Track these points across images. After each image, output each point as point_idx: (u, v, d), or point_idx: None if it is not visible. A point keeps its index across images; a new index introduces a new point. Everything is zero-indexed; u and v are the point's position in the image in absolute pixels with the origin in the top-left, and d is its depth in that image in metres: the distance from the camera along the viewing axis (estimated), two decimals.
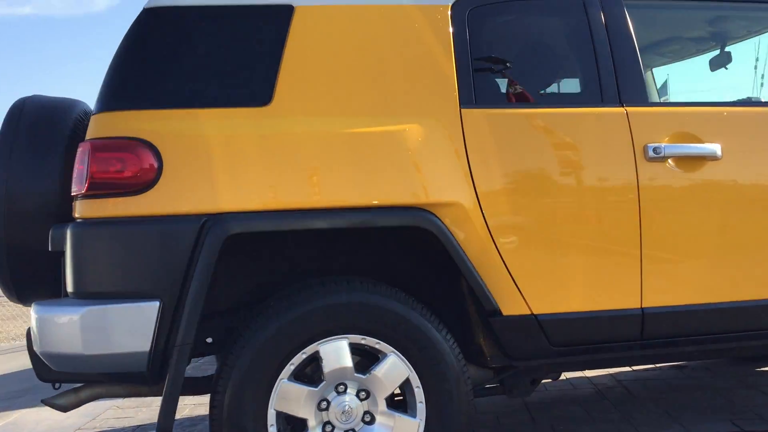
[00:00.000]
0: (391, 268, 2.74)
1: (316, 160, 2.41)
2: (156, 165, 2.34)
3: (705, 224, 2.63)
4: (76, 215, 2.42)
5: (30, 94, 3.03)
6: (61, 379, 2.61)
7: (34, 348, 2.44)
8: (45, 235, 2.68)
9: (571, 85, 2.91)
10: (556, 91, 2.97)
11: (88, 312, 2.27)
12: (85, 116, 2.92)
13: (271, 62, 2.48)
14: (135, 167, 2.33)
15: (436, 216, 2.44)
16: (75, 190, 2.42)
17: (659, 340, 2.66)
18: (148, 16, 2.51)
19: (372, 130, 2.47)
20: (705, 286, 2.65)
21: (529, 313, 2.55)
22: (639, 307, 2.61)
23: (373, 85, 2.52)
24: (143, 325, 2.29)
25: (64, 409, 2.66)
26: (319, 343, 2.40)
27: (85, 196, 2.37)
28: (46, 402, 2.68)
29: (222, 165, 2.37)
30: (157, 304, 2.29)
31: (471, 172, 2.50)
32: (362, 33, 2.56)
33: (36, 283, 2.82)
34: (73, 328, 2.28)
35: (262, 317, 2.38)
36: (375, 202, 2.42)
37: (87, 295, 2.36)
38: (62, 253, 2.50)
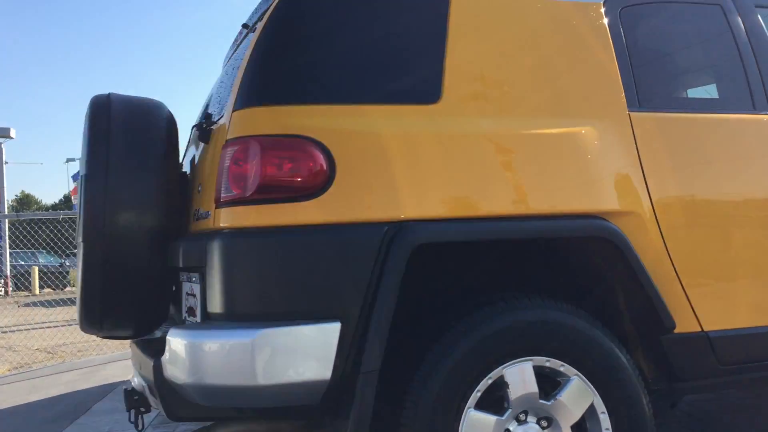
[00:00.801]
0: (541, 282, 2.52)
1: (500, 164, 2.20)
2: (327, 166, 2.05)
3: None
4: (228, 224, 2.08)
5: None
6: (199, 416, 2.23)
7: (176, 379, 2.07)
8: (148, 253, 2.33)
9: (715, 90, 2.83)
10: (706, 95, 2.88)
11: (262, 336, 1.94)
12: (172, 117, 2.60)
13: (435, 57, 2.26)
14: (308, 168, 2.04)
15: (617, 225, 2.27)
16: (229, 194, 2.09)
17: None
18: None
19: (550, 132, 2.28)
20: None
21: (699, 330, 2.40)
22: None
23: (540, 83, 2.34)
24: (323, 349, 1.98)
25: None
26: (504, 367, 2.15)
27: (248, 202, 2.04)
28: None
29: (401, 167, 2.11)
30: (338, 325, 1.99)
31: (645, 180, 2.35)
32: (523, 27, 2.39)
33: (131, 309, 2.44)
34: (243, 354, 1.94)
35: (446, 339, 2.11)
36: (560, 210, 2.23)
37: (246, 316, 2.02)
38: (190, 271, 2.16)
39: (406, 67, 2.24)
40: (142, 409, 2.60)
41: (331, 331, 1.98)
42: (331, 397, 2.02)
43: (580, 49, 2.42)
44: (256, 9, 2.64)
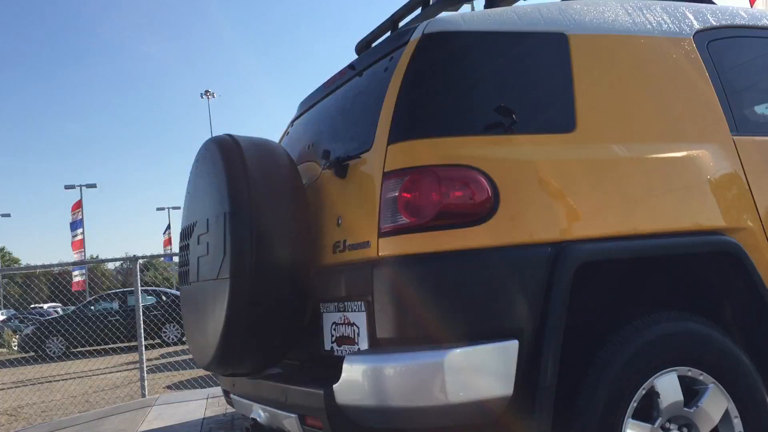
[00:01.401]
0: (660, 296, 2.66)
1: (635, 185, 2.37)
2: (491, 193, 2.18)
3: None
4: (398, 252, 2.17)
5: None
6: None
7: (357, 404, 2.11)
8: (291, 287, 2.40)
9: None
10: None
11: (452, 356, 2.02)
12: (290, 156, 2.69)
13: (565, 90, 2.43)
14: (478, 195, 2.16)
15: (735, 241, 2.46)
16: (397, 223, 2.18)
17: None
18: (435, 41, 2.38)
19: (673, 156, 2.47)
20: None
21: None
22: None
23: (656, 111, 2.54)
24: (505, 366, 2.07)
25: None
26: (655, 377, 2.28)
27: (421, 229, 2.14)
28: None
29: (554, 191, 2.25)
30: (516, 342, 2.09)
31: (753, 197, 2.56)
32: (633, 63, 2.59)
33: (272, 344, 2.49)
34: (435, 375, 2.01)
35: (604, 353, 2.23)
36: (689, 227, 2.40)
37: (422, 339, 2.10)
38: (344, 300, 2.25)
39: (544, 102, 2.40)
40: None
41: (511, 348, 2.08)
42: (508, 414, 2.11)
43: (682, 79, 2.63)
44: (368, 53, 2.77)
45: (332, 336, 2.46)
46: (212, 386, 8.13)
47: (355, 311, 2.31)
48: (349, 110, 2.73)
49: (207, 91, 42.49)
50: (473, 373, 2.03)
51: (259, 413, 2.69)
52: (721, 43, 2.80)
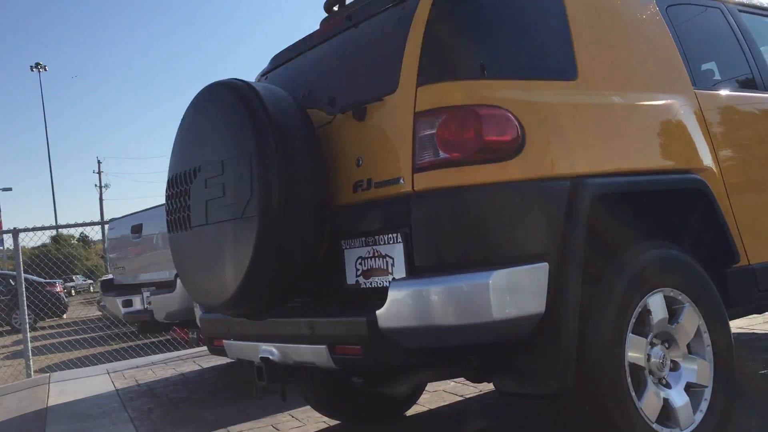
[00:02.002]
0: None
1: (634, 129, 2.67)
2: (519, 132, 2.39)
3: None
4: (437, 185, 2.34)
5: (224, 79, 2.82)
6: (402, 362, 2.44)
7: (403, 326, 2.26)
8: (314, 226, 2.52)
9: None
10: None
11: (496, 277, 2.22)
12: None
13: (566, 43, 2.68)
14: (510, 133, 2.36)
15: (702, 179, 2.82)
16: (434, 158, 2.34)
17: None
18: None
19: (658, 104, 2.80)
20: None
21: (747, 263, 3.02)
22: None
23: (639, 66, 2.85)
24: (538, 286, 2.30)
25: (402, 396, 2.48)
26: (648, 297, 2.59)
27: (460, 163, 2.32)
28: (383, 390, 2.47)
29: (574, 132, 2.50)
30: (546, 265, 2.32)
31: (713, 143, 2.93)
32: (619, 25, 2.88)
33: (292, 283, 2.59)
34: (482, 294, 2.20)
35: (611, 276, 2.50)
36: (673, 167, 2.74)
37: (461, 265, 2.29)
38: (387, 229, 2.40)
39: (551, 52, 2.64)
40: (289, 379, 2.73)
41: (543, 270, 2.31)
42: (535, 332, 2.33)
43: (654, 37, 2.96)
44: (366, 5, 2.88)
45: (357, 270, 2.58)
46: (103, 362, 7.95)
47: (388, 243, 2.45)
48: (356, 58, 2.83)
49: (38, 64, 40.76)
50: (513, 293, 2.24)
51: (272, 351, 2.76)
52: (677, 9, 3.15)
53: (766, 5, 3.76)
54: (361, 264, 2.57)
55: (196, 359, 7.32)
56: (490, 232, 2.31)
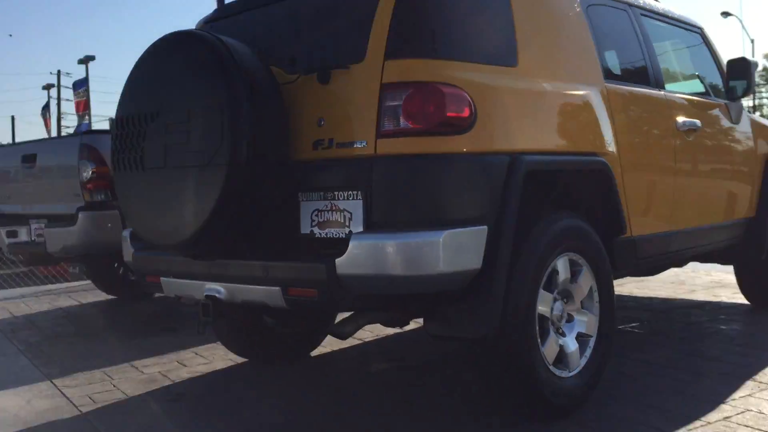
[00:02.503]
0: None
1: (560, 114, 3.09)
2: (472, 110, 2.71)
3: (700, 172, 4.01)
4: (397, 151, 2.62)
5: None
6: (355, 307, 2.73)
7: (360, 273, 2.54)
8: (275, 177, 2.76)
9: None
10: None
11: (446, 235, 2.55)
12: None
13: (509, 31, 3.03)
14: (465, 111, 2.68)
15: (606, 161, 3.29)
16: (398, 128, 2.62)
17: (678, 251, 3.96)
18: None
19: (578, 93, 3.23)
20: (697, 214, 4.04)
21: (630, 235, 3.56)
22: (668, 231, 3.86)
23: (563, 59, 3.26)
24: (477, 246, 2.66)
25: (346, 336, 2.77)
26: (556, 259, 3.04)
27: (420, 134, 2.61)
28: (330, 332, 2.75)
29: (513, 113, 2.86)
30: (485, 228, 2.69)
31: (614, 132, 3.41)
32: (550, 23, 3.27)
33: (248, 229, 2.82)
34: (433, 249, 2.53)
35: (532, 240, 2.90)
36: (585, 149, 3.19)
37: (413, 223, 2.61)
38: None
39: (499, 42, 2.97)
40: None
41: (482, 232, 2.67)
42: (473, 285, 2.70)
43: (578, 33, 3.37)
44: None
45: (312, 221, 2.83)
46: None
47: (348, 200, 2.71)
48: (319, 22, 3.02)
49: None
50: (457, 250, 2.59)
51: (218, 290, 2.96)
52: (595, 8, 3.58)
53: (664, 11, 4.31)
54: (317, 216, 2.82)
55: (71, 294, 7.20)
56: (441, 196, 2.63)
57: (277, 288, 2.74)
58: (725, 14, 36.62)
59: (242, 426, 3.14)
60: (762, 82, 41.22)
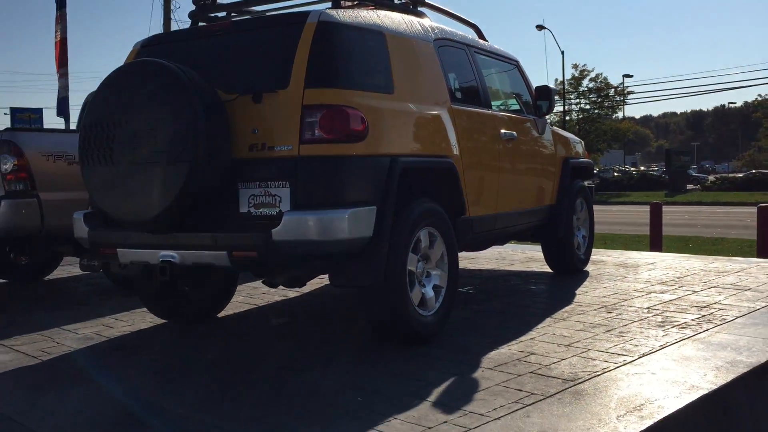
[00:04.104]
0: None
1: (421, 128, 4.34)
2: (366, 125, 3.89)
3: (516, 170, 5.47)
4: (314, 153, 3.74)
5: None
6: (284, 265, 3.82)
7: (289, 239, 3.62)
8: (223, 172, 3.83)
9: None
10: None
11: (350, 212, 3.72)
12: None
13: (387, 70, 4.24)
14: (361, 126, 3.85)
15: (453, 162, 4.60)
16: (315, 137, 3.74)
17: (502, 228, 5.39)
18: (328, 27, 3.94)
19: (433, 113, 4.50)
20: (515, 201, 5.49)
21: (468, 215, 4.90)
22: (495, 213, 5.27)
23: (423, 86, 4.52)
24: (369, 220, 3.84)
25: (276, 285, 3.86)
26: (419, 231, 4.27)
27: (331, 141, 3.75)
28: (265, 282, 3.82)
29: (390, 127, 4.08)
30: (374, 208, 3.88)
31: (458, 140, 4.73)
32: (414, 57, 4.52)
33: (192, 210, 3.85)
34: (341, 222, 3.68)
35: (403, 217, 4.12)
36: (437, 153, 4.47)
37: (327, 204, 3.74)
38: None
39: (380, 75, 4.17)
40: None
41: (373, 211, 3.85)
42: (363, 249, 3.87)
43: (431, 67, 4.66)
44: (259, 19, 4.13)
45: (249, 203, 3.87)
46: None
47: (277, 187, 3.78)
48: (248, 58, 4.07)
49: None
50: (357, 222, 3.75)
51: (173, 255, 3.93)
52: (443, 48, 4.89)
53: (490, 48, 5.72)
54: (252, 199, 3.87)
55: None
56: (345, 185, 3.79)
57: (224, 252, 3.78)
58: (540, 27, 40.30)
59: (182, 362, 4.12)
60: (570, 89, 45.67)
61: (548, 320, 4.82)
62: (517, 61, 6.21)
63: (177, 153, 3.69)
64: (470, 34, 5.73)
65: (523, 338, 4.34)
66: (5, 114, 44.40)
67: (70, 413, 3.28)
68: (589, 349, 4.02)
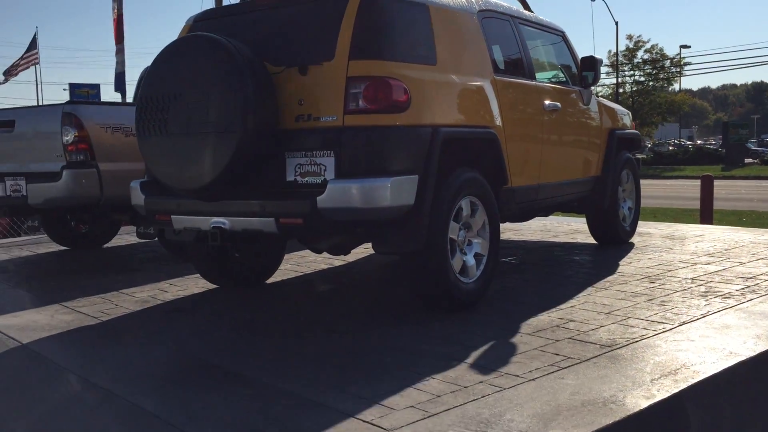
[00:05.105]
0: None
1: (465, 98, 4.41)
2: (408, 96, 3.98)
3: (560, 141, 5.49)
4: (358, 124, 3.85)
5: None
6: (329, 232, 3.96)
7: (334, 206, 3.75)
8: (269, 141, 3.97)
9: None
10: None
11: (392, 181, 3.83)
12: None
13: (430, 40, 4.31)
14: (405, 97, 3.94)
15: (495, 132, 4.66)
16: (359, 107, 3.85)
17: (544, 199, 5.43)
18: (378, 1, 4.03)
19: (476, 84, 4.56)
20: (558, 172, 5.52)
21: (510, 185, 4.96)
22: (537, 183, 5.31)
23: (467, 57, 4.58)
24: (411, 188, 3.94)
25: (321, 251, 4.01)
26: (461, 199, 4.37)
27: (374, 111, 3.85)
28: (310, 247, 3.99)
29: (433, 97, 4.16)
30: (416, 177, 3.98)
31: (500, 111, 4.78)
32: (458, 28, 4.57)
33: (244, 177, 4.00)
34: (383, 190, 3.79)
35: (446, 186, 4.21)
36: (481, 123, 4.53)
37: (372, 172, 3.85)
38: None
39: (424, 47, 4.24)
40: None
41: (414, 180, 3.95)
42: (405, 217, 3.98)
43: (474, 38, 4.71)
44: None
45: (296, 171, 4.02)
46: None
47: (322, 157, 3.91)
48: (296, 29, 4.18)
49: None
50: (399, 191, 3.86)
51: (223, 222, 4.11)
52: (487, 20, 4.92)
53: (535, 19, 5.73)
54: (299, 168, 4.01)
55: (21, 247, 7.94)
56: (389, 154, 3.90)
57: (272, 219, 3.94)
58: None
59: (231, 324, 4.31)
60: (624, 61, 44.70)
61: (589, 289, 4.87)
62: (563, 32, 6.20)
63: (227, 124, 3.84)
64: (515, 6, 5.73)
65: (563, 306, 4.41)
66: (64, 90, 46.31)
67: (125, 366, 3.50)
68: (628, 317, 4.08)
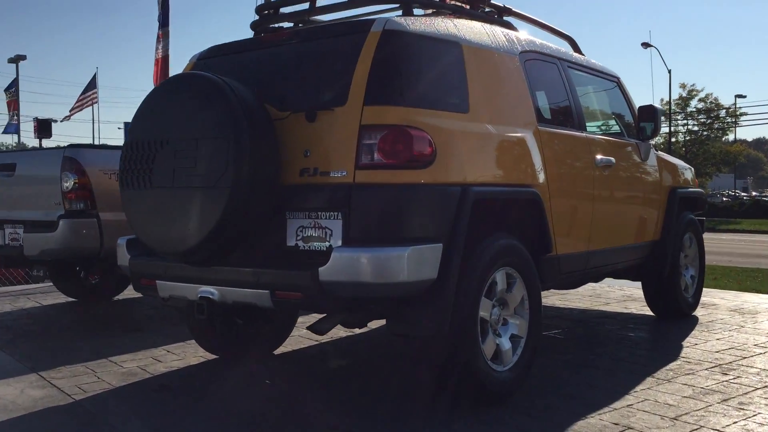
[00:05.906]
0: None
1: (500, 153, 3.73)
2: (434, 149, 3.32)
3: (614, 201, 4.75)
4: (372, 181, 3.20)
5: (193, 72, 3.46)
6: (334, 308, 3.29)
7: (339, 279, 3.09)
8: (270, 198, 3.33)
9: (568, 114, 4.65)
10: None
11: (410, 250, 3.15)
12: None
13: (463, 84, 3.66)
14: (428, 149, 3.29)
15: (537, 192, 3.96)
16: (373, 161, 3.21)
17: (595, 268, 4.68)
18: (394, 36, 3.41)
19: (515, 135, 3.88)
20: (611, 237, 4.78)
21: (555, 253, 4.23)
22: (587, 250, 4.57)
23: (505, 105, 3.91)
24: (434, 260, 3.26)
25: (324, 332, 3.33)
26: (495, 272, 3.67)
27: (393, 167, 3.21)
28: (310, 328, 3.31)
29: (464, 152, 3.49)
30: (441, 245, 3.30)
31: (544, 167, 4.09)
32: (495, 72, 3.92)
33: (237, 241, 3.36)
34: (399, 262, 3.12)
35: (476, 257, 3.52)
36: (520, 182, 3.84)
37: (384, 240, 3.19)
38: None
39: (454, 92, 3.60)
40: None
41: (438, 249, 3.27)
42: (426, 293, 3.30)
43: (515, 84, 4.04)
44: (316, 29, 3.67)
45: (297, 235, 3.38)
46: None
47: (328, 219, 3.27)
48: (306, 69, 3.59)
49: None
50: (419, 263, 3.18)
51: (212, 291, 3.48)
52: (530, 63, 4.27)
53: (587, 63, 5.05)
54: (301, 231, 3.37)
55: (28, 296, 7.46)
56: (407, 218, 3.23)
57: (266, 291, 3.29)
58: (646, 45, 38.58)
59: (221, 413, 3.64)
60: (677, 110, 43.48)
61: (649, 380, 4.09)
62: (617, 78, 5.50)
63: (216, 176, 3.24)
64: (564, 47, 5.08)
65: (617, 404, 3.64)
66: (119, 128, 47.91)
67: None
68: (701, 427, 3.29)
